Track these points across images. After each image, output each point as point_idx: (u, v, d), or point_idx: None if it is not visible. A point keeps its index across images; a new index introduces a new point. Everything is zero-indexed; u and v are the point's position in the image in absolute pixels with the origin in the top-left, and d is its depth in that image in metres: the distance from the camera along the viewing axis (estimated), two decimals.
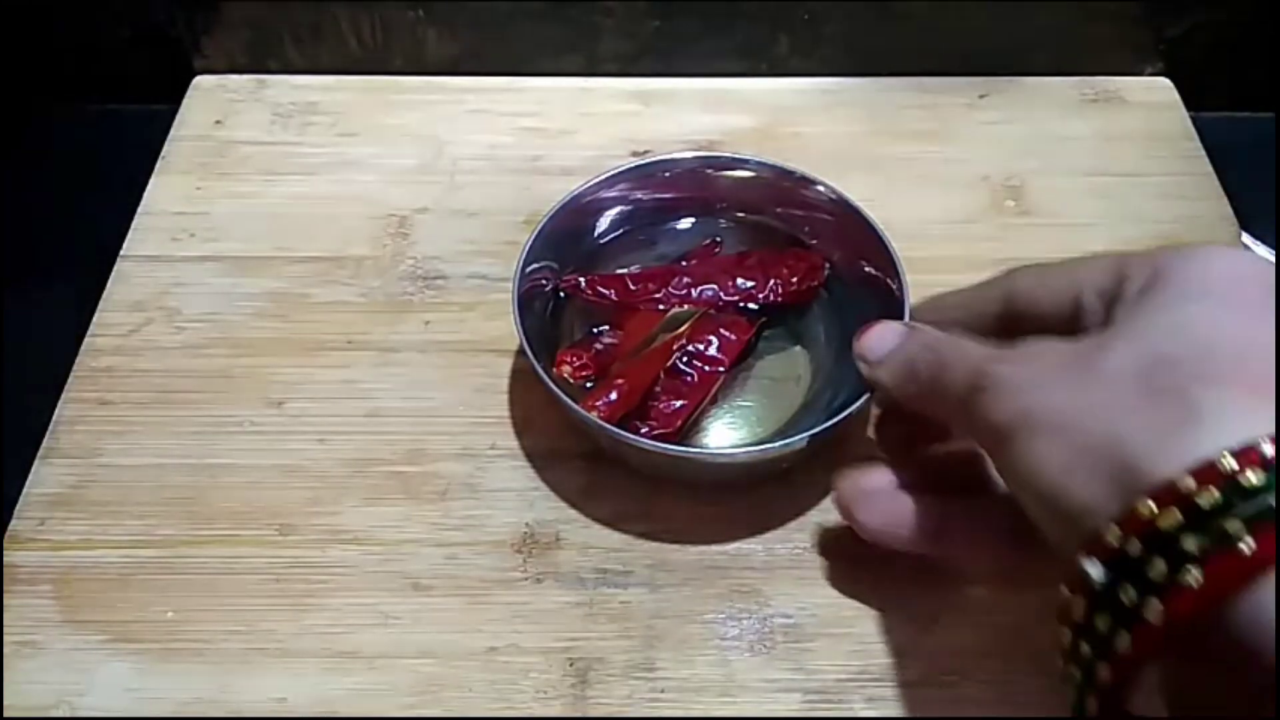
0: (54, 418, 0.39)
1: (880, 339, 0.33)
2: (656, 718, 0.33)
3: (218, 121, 0.50)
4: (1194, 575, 0.20)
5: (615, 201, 0.42)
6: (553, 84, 0.51)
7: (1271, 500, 0.20)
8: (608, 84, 0.51)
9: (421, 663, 0.34)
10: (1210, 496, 0.21)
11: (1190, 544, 0.21)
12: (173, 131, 0.49)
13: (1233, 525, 0.20)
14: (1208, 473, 0.21)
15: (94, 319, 0.42)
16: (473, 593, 0.35)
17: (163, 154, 0.48)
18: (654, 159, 0.42)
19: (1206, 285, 0.25)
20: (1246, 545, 0.20)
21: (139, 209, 0.46)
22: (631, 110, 0.50)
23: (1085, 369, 0.25)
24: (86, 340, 0.42)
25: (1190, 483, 0.21)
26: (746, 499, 0.37)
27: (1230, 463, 0.21)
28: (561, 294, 0.40)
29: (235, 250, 0.45)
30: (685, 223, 0.43)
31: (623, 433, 0.34)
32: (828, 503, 0.37)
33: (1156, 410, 0.23)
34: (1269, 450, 0.21)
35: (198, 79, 0.52)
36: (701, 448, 0.37)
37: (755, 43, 0.51)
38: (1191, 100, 0.51)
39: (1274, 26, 0.49)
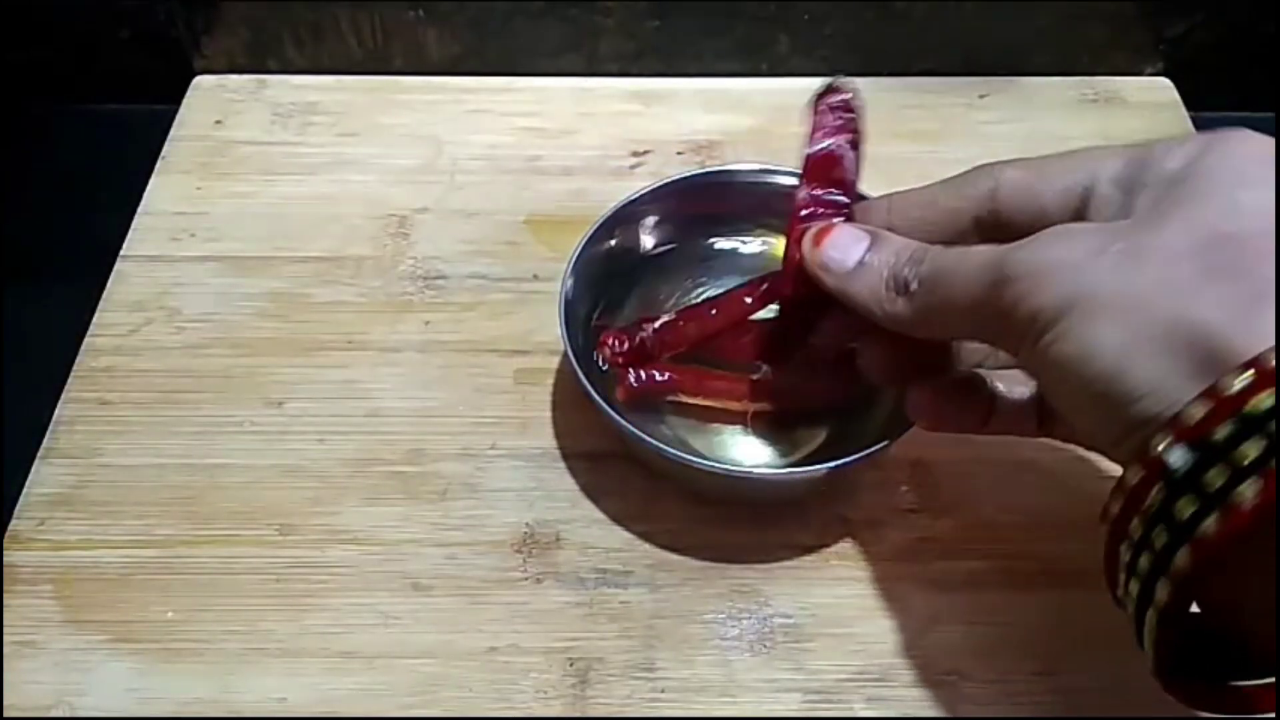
0: (54, 418, 0.39)
1: (842, 246, 0.30)
2: (656, 718, 0.33)
3: (218, 121, 0.50)
4: None
5: (663, 212, 0.40)
6: (552, 84, 0.51)
7: None
8: (608, 84, 0.51)
9: (421, 663, 0.34)
10: None
11: None
12: (173, 131, 0.49)
13: None
14: None
15: (94, 319, 0.42)
16: (473, 593, 0.35)
17: (163, 154, 0.48)
18: (712, 169, 0.41)
19: (1247, 170, 0.24)
20: None
21: (139, 209, 0.46)
22: (631, 110, 0.50)
23: (1137, 248, 0.23)
24: (86, 340, 0.42)
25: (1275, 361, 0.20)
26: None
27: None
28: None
29: (235, 250, 0.45)
30: (733, 236, 0.42)
31: (675, 452, 0.33)
32: (828, 501, 0.37)
33: (1227, 288, 0.22)
34: None
35: (198, 79, 0.52)
36: (739, 466, 0.37)
37: (755, 43, 0.51)
38: (1191, 100, 0.51)
39: (1274, 26, 0.49)
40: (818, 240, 0.31)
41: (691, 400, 0.38)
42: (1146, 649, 0.23)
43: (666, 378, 0.37)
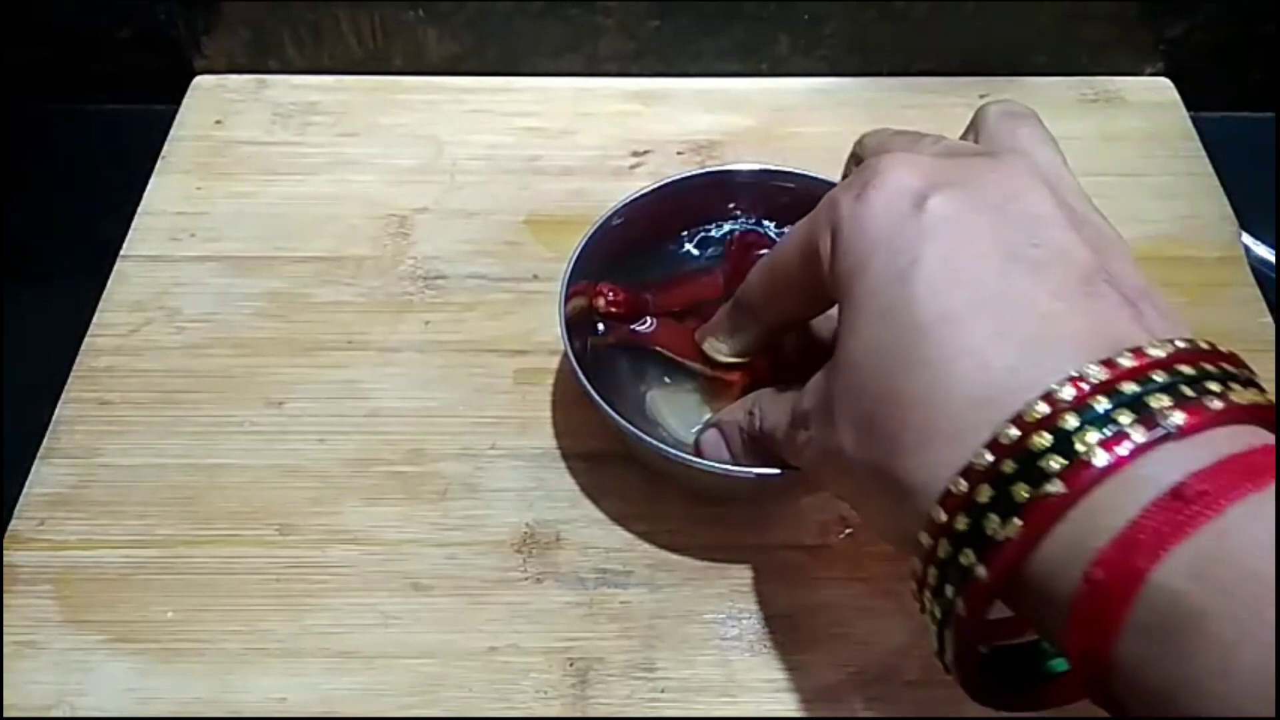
0: (54, 418, 0.39)
1: (715, 451, 0.33)
2: (656, 718, 0.33)
3: (218, 121, 0.50)
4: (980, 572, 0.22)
5: (662, 209, 0.40)
6: (552, 84, 0.51)
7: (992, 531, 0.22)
8: (608, 84, 0.51)
9: (421, 663, 0.34)
10: (946, 548, 0.22)
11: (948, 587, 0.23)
12: (173, 131, 0.49)
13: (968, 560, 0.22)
14: (942, 530, 0.23)
15: (94, 319, 0.42)
16: (473, 593, 0.35)
17: (163, 154, 0.48)
18: (711, 169, 0.41)
19: (857, 299, 0.25)
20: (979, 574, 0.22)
21: (139, 209, 0.46)
22: (631, 110, 0.50)
23: (826, 451, 0.26)
24: (86, 340, 0.42)
25: (928, 542, 0.23)
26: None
27: (941, 517, 0.22)
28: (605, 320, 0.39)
29: (235, 250, 0.45)
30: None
31: (675, 452, 0.33)
32: (828, 501, 0.37)
33: (883, 496, 0.24)
34: (960, 486, 0.22)
35: (198, 79, 0.52)
36: (739, 466, 0.35)
37: (755, 43, 0.51)
38: (1191, 100, 0.51)
39: (1274, 26, 0.49)
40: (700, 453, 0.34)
41: (662, 350, 0.38)
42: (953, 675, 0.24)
43: (648, 325, 0.38)
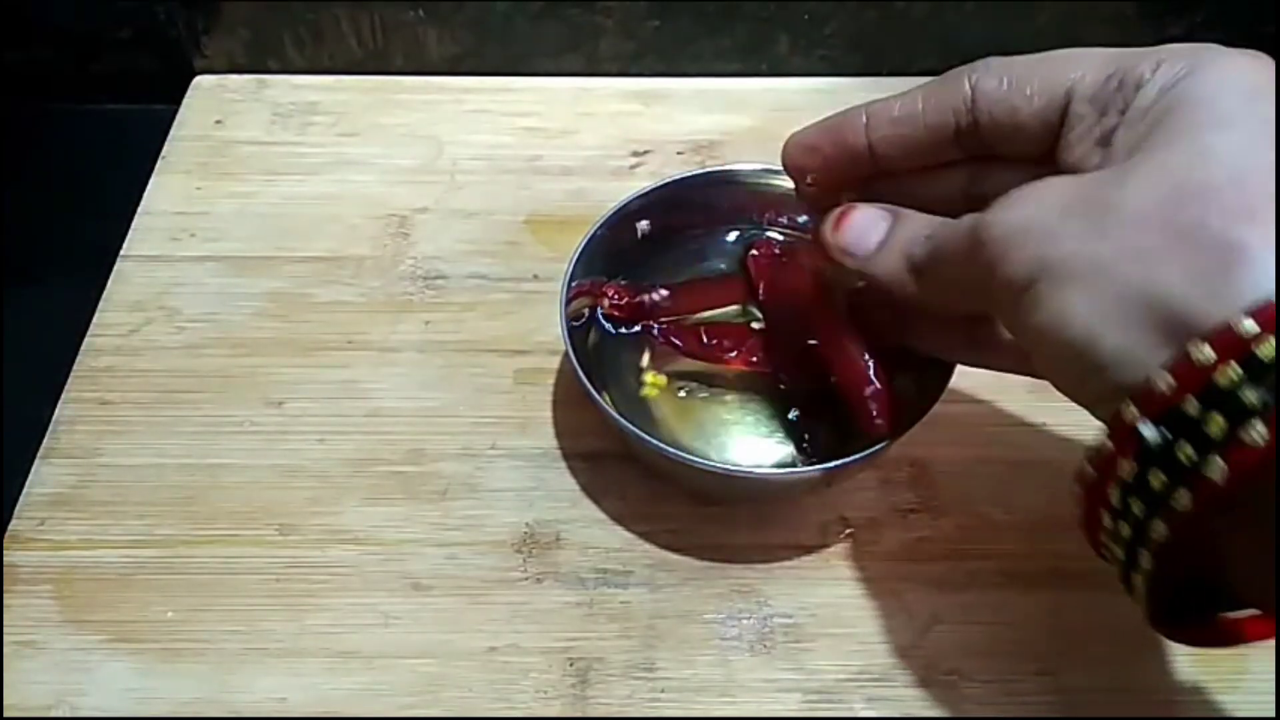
0: (54, 418, 0.39)
1: (863, 230, 0.30)
2: (656, 718, 0.33)
3: (218, 121, 0.50)
4: (1259, 432, 0.20)
5: (663, 209, 0.40)
6: (553, 84, 0.51)
7: None
8: (608, 84, 0.51)
9: (421, 663, 0.34)
10: (1269, 347, 0.20)
11: (1251, 397, 0.20)
12: (173, 131, 0.49)
13: None
14: (1264, 315, 0.20)
15: (94, 319, 0.42)
16: (473, 593, 0.35)
17: (163, 154, 0.48)
18: (712, 169, 0.41)
19: (1227, 105, 0.23)
20: None
21: (139, 209, 0.46)
22: (631, 110, 0.50)
23: (1104, 209, 0.23)
24: (86, 340, 0.42)
25: (1249, 326, 0.20)
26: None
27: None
28: (612, 323, 0.38)
29: (235, 250, 0.45)
30: (734, 235, 0.41)
31: (676, 451, 0.33)
32: (828, 501, 0.37)
33: (1192, 254, 0.21)
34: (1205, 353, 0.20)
35: (198, 79, 0.52)
36: (739, 466, 0.36)
37: (755, 43, 0.51)
38: None
39: (1274, 27, 0.49)
40: (838, 224, 0.31)
41: (665, 350, 0.38)
42: (1137, 603, 0.24)
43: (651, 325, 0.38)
